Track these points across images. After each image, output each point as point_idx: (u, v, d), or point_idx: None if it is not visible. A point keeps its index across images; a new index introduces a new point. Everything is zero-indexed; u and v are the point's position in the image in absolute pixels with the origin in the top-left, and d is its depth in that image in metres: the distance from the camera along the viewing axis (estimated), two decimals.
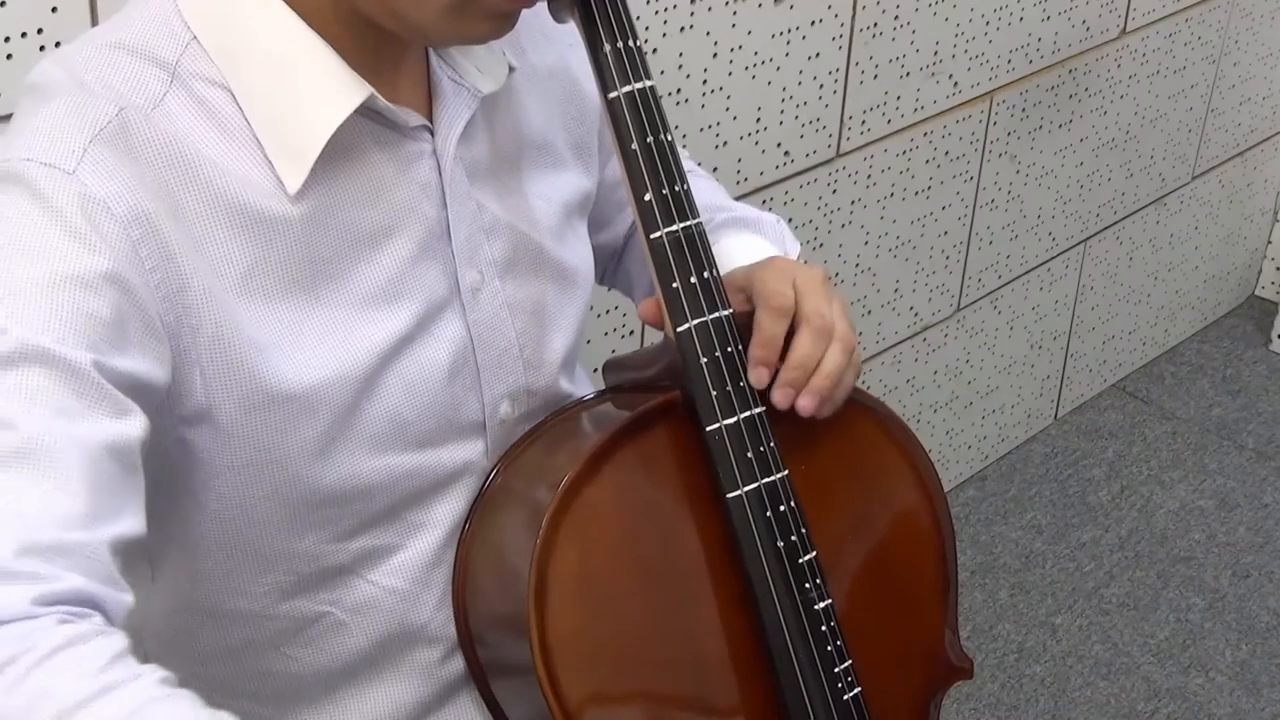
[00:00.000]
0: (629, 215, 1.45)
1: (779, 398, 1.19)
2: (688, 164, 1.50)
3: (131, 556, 0.98)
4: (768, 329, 1.19)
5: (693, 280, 1.16)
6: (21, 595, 0.88)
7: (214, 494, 1.13)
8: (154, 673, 0.90)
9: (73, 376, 0.97)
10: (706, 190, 1.47)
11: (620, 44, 1.15)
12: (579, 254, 1.31)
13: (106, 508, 0.96)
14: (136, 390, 1.01)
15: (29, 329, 0.96)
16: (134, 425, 1.00)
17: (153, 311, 1.03)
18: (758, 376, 1.18)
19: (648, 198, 1.16)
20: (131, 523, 0.98)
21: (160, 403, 1.05)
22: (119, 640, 0.90)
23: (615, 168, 1.39)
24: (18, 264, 0.99)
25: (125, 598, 0.95)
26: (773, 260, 1.27)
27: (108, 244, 1.01)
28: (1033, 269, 3.00)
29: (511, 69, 1.23)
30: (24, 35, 1.47)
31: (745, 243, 1.37)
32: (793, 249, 1.41)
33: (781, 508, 1.18)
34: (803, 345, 1.19)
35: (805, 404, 1.19)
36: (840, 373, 1.21)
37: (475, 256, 1.20)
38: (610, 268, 1.52)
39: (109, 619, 0.93)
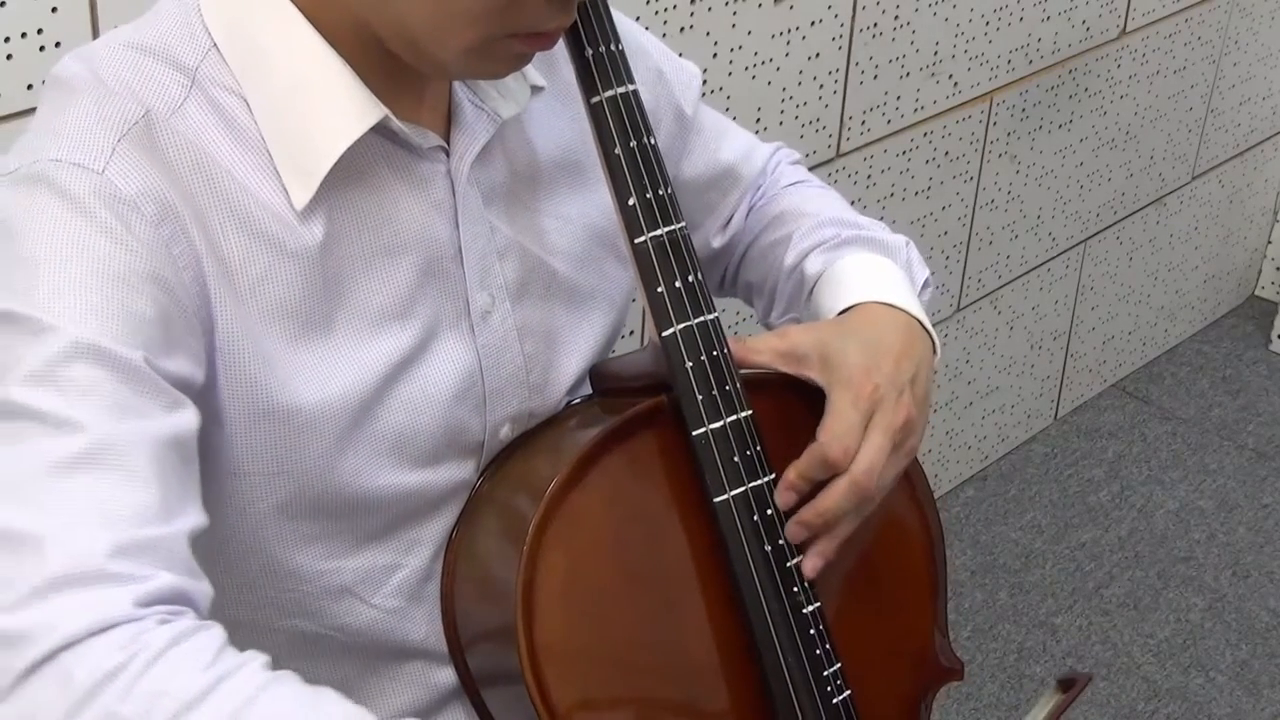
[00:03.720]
0: (720, 217, 1.43)
1: (793, 533, 1.19)
2: (798, 172, 1.48)
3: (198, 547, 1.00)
4: (809, 469, 1.18)
5: (677, 284, 1.16)
6: (123, 598, 0.90)
7: (218, 498, 1.12)
8: (257, 658, 0.93)
9: (128, 372, 0.97)
10: (835, 204, 1.43)
11: (603, 48, 1.15)
12: (605, 277, 1.29)
13: (177, 500, 0.97)
14: (182, 387, 1.02)
15: (80, 326, 0.97)
16: (189, 417, 1.01)
17: (190, 308, 1.04)
18: (785, 500, 1.19)
19: (631, 202, 1.16)
20: (198, 514, 1.00)
21: (197, 397, 1.06)
22: (218, 632, 0.93)
23: (696, 167, 1.38)
24: (58, 264, 0.99)
25: (207, 587, 0.97)
26: (871, 358, 1.22)
27: (142, 244, 1.01)
28: (1033, 269, 3.00)
29: (538, 89, 1.21)
30: (24, 35, 1.47)
31: (869, 263, 1.32)
32: (920, 274, 1.36)
33: (769, 511, 1.18)
34: (833, 498, 1.18)
35: (809, 566, 1.19)
36: (851, 529, 1.20)
37: (487, 279, 1.19)
38: (727, 276, 1.48)
39: (198, 611, 0.95)
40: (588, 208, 1.27)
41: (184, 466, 1.00)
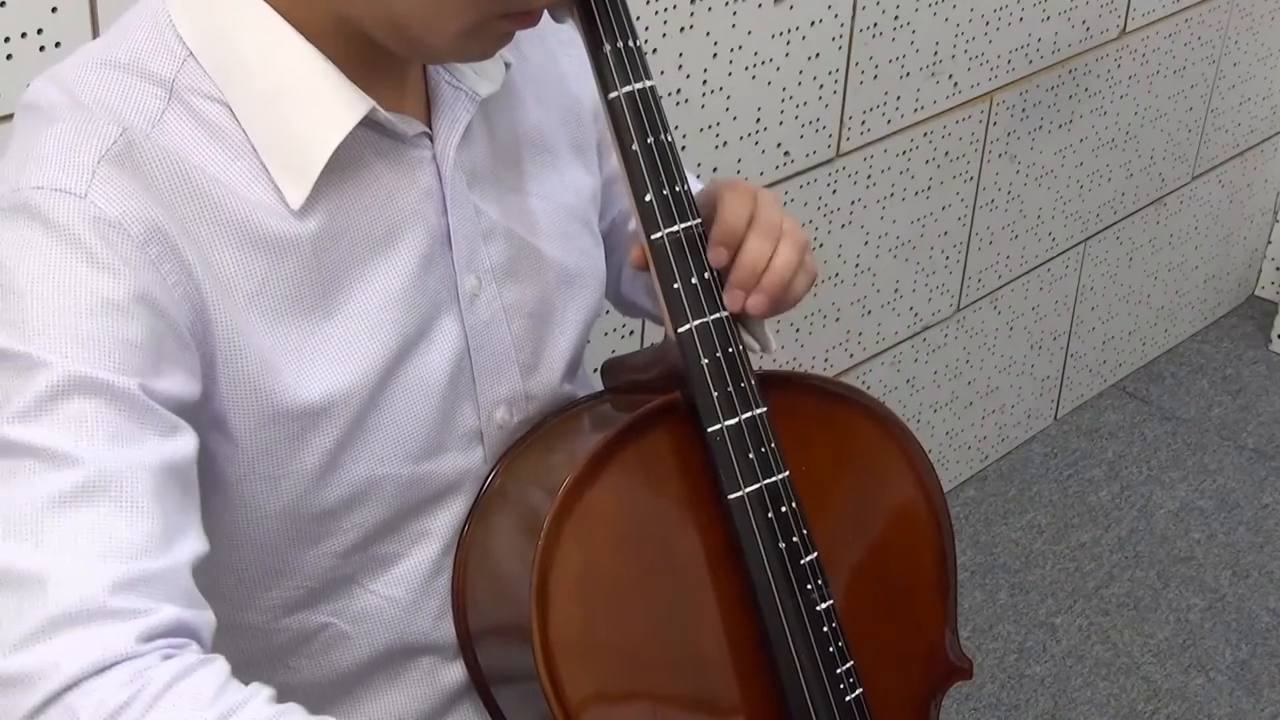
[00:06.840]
0: (614, 210, 1.45)
1: (729, 300, 1.19)
2: None
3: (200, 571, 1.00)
4: (729, 223, 1.20)
5: (694, 281, 1.16)
6: (125, 634, 0.90)
7: (223, 505, 1.12)
8: (261, 691, 0.93)
9: (122, 401, 0.97)
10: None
11: (620, 44, 1.15)
12: (585, 254, 1.30)
13: (177, 528, 0.97)
14: (178, 407, 1.02)
15: (71, 360, 0.96)
16: (186, 441, 1.01)
17: (182, 325, 1.03)
18: (716, 256, 1.19)
19: (648, 198, 1.16)
20: (199, 540, 1.00)
21: (195, 413, 1.06)
22: (221, 666, 0.93)
23: (611, 165, 1.39)
24: (47, 297, 0.98)
25: (210, 616, 0.97)
26: (736, 183, 1.26)
27: (129, 266, 1.01)
28: (1033, 269, 3.00)
29: (508, 66, 1.22)
30: (24, 35, 1.47)
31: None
32: None
33: (783, 509, 1.18)
34: (750, 245, 1.20)
35: (756, 302, 1.19)
36: (791, 269, 1.21)
37: (473, 261, 1.19)
38: None
39: (201, 642, 0.95)
40: (562, 187, 1.28)
41: (183, 493, 1.00)
